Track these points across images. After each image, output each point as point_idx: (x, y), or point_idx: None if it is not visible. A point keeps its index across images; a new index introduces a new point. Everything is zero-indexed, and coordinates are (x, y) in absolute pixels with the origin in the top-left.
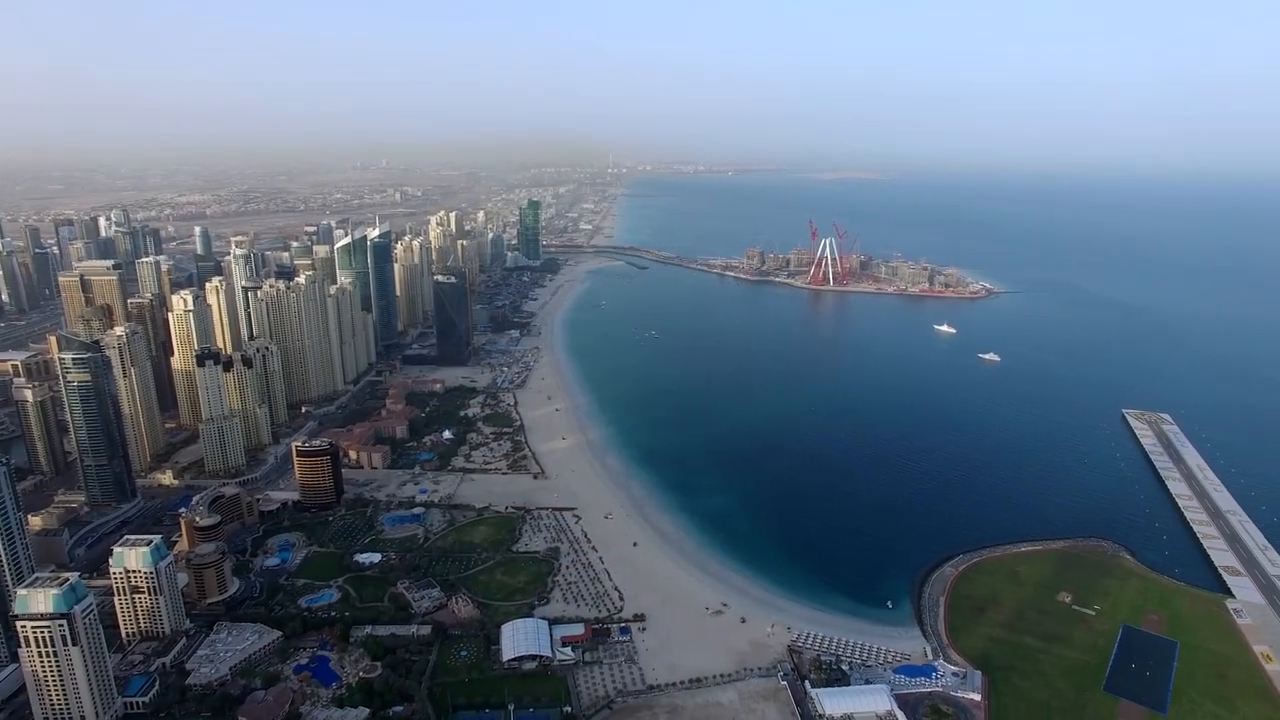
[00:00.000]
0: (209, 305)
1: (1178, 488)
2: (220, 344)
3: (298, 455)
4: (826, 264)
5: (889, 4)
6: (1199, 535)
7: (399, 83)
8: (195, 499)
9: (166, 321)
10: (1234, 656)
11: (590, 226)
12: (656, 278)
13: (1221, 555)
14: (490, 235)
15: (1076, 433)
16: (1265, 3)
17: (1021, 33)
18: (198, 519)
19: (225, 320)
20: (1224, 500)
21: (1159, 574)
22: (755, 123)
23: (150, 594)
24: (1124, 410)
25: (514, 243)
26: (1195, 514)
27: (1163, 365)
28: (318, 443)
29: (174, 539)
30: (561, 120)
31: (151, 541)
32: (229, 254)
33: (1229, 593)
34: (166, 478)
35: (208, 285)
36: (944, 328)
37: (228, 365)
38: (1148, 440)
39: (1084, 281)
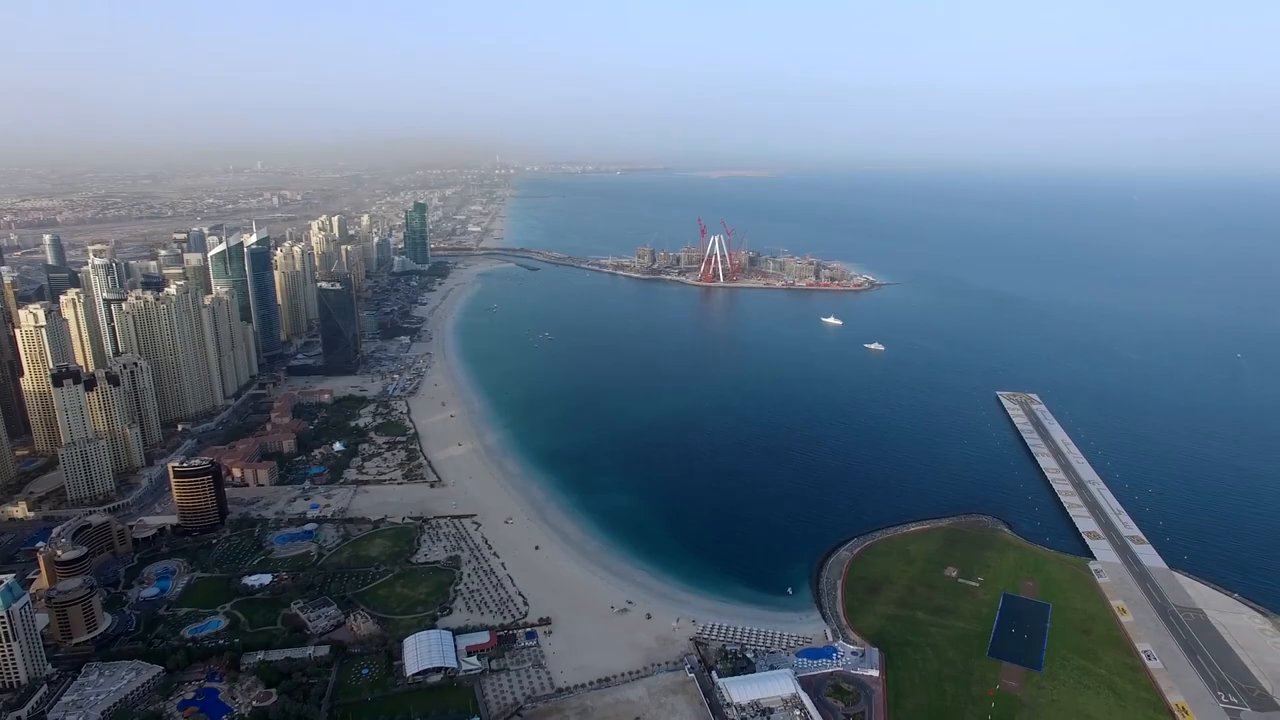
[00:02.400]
0: (65, 320)
1: (1046, 462)
2: (80, 361)
3: (175, 476)
4: (716, 261)
5: (771, 7)
6: (1065, 505)
7: (268, 81)
8: (56, 531)
9: (14, 339)
10: (1096, 613)
11: (479, 229)
12: (548, 279)
13: (1084, 521)
14: (376, 239)
15: (956, 415)
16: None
17: (901, 36)
18: (59, 552)
19: (85, 335)
20: (1086, 471)
21: (1033, 543)
22: (642, 121)
23: (1, 640)
24: (998, 392)
25: (401, 246)
26: (1062, 485)
27: (1031, 349)
28: (197, 462)
29: (31, 576)
30: (443, 121)
31: (1, 582)
32: (87, 264)
33: (1091, 555)
34: (19, 510)
35: (63, 298)
36: (831, 320)
37: (90, 384)
38: (1019, 419)
39: (961, 273)
